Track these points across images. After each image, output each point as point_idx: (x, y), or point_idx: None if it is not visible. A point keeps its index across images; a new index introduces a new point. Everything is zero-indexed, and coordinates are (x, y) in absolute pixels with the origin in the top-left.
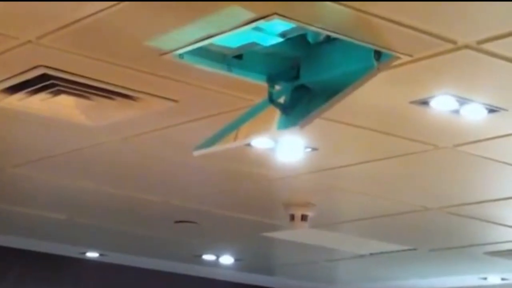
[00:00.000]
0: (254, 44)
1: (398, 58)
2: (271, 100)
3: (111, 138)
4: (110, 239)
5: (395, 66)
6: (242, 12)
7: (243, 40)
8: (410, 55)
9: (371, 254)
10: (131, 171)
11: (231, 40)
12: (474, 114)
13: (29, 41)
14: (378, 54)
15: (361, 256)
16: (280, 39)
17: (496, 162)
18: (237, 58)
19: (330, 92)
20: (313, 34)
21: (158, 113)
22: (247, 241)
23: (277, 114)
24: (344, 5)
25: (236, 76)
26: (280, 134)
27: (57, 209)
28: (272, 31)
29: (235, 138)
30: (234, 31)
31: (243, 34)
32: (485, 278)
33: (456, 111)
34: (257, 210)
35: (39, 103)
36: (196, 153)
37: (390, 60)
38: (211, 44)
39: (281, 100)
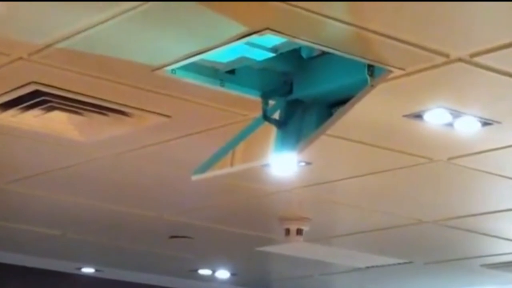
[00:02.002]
0: (246, 59)
1: (391, 72)
2: (265, 117)
3: (105, 154)
4: (106, 254)
5: (388, 80)
6: (234, 26)
7: (235, 54)
8: (403, 69)
9: (366, 267)
10: (125, 187)
11: (223, 55)
12: (468, 127)
13: (21, 58)
14: (371, 69)
15: (357, 269)
16: (272, 54)
17: (491, 174)
18: (229, 73)
19: (324, 105)
20: (306, 49)
21: (151, 128)
22: (243, 256)
23: (272, 131)
24: (337, 20)
25: (229, 91)
26: (277, 160)
27: (51, 225)
28: (264, 46)
29: (232, 163)
30: (226, 46)
31: (235, 49)
32: None
33: (450, 124)
34: (252, 225)
35: (32, 120)
36: (195, 178)
37: (383, 74)
38: (203, 59)
39: (276, 115)
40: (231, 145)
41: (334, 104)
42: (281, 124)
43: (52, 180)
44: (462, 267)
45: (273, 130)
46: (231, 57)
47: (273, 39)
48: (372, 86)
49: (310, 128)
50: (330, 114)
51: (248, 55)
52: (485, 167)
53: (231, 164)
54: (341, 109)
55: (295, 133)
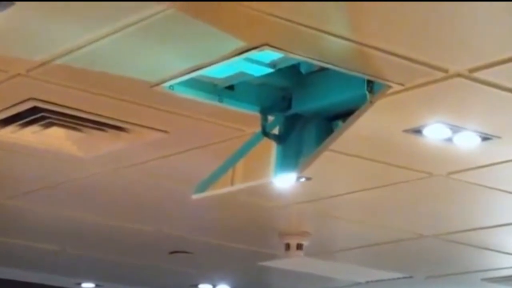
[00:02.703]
0: (244, 74)
1: (390, 87)
2: (265, 133)
3: (103, 169)
4: (106, 269)
5: (387, 95)
6: (232, 42)
7: (232, 70)
8: (402, 84)
9: (367, 282)
10: (124, 201)
11: (221, 70)
12: (468, 142)
13: (19, 74)
14: (370, 85)
15: (357, 284)
16: (271, 69)
17: (491, 189)
18: (228, 89)
19: (323, 118)
20: (305, 64)
21: (150, 144)
22: (243, 270)
23: (272, 147)
24: (336, 36)
25: (227, 106)
26: (277, 180)
27: (51, 240)
28: (262, 61)
29: (232, 182)
30: (224, 62)
31: (233, 64)
32: None
33: (450, 139)
34: (252, 239)
35: (31, 135)
36: (195, 197)
37: (382, 90)
38: (201, 75)
39: (275, 130)
40: (231, 162)
41: (333, 118)
42: (280, 139)
43: (51, 195)
44: (463, 281)
45: (273, 146)
46: (229, 73)
47: (271, 55)
48: (371, 102)
49: (310, 142)
50: (329, 128)
51: (246, 70)
52: (485, 182)
53: (232, 183)
54: (341, 126)
55: (295, 147)
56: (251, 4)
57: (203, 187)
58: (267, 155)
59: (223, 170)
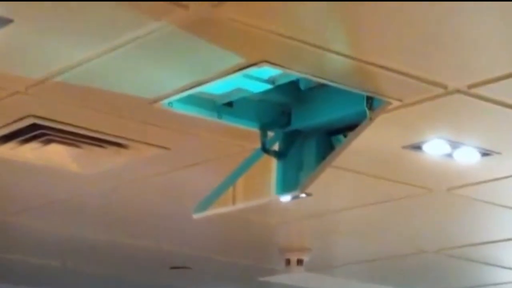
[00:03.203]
0: (243, 90)
1: (389, 103)
2: (265, 149)
3: (103, 185)
4: (106, 285)
5: (387, 111)
6: (231, 59)
7: (231, 86)
8: (401, 100)
9: None
10: (124, 217)
11: (219, 86)
12: (467, 157)
13: (18, 92)
14: (370, 101)
15: None
16: (270, 86)
17: (491, 204)
18: (227, 105)
19: (323, 133)
20: (304, 80)
21: (149, 160)
22: (244, 286)
23: (273, 163)
24: (335, 53)
25: (226, 123)
26: (280, 199)
27: (51, 256)
28: (261, 77)
29: (234, 201)
30: (223, 79)
31: (232, 80)
32: None
33: (449, 155)
34: (252, 255)
35: (31, 152)
36: (196, 216)
37: (381, 107)
38: (200, 92)
39: (275, 146)
40: (231, 180)
41: (333, 132)
42: (280, 155)
43: (52, 212)
44: None
45: (274, 162)
46: (228, 89)
47: (270, 71)
48: (371, 119)
49: (310, 157)
50: (329, 142)
51: (245, 86)
52: (485, 197)
53: (233, 202)
54: (341, 141)
55: (295, 163)
56: (249, 21)
57: (203, 206)
58: (268, 171)
59: (223, 188)
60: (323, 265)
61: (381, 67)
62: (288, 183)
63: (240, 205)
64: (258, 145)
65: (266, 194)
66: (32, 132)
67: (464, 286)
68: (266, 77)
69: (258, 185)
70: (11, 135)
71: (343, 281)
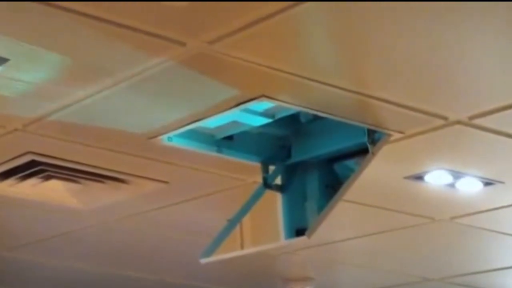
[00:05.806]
0: (243, 124)
1: (391, 136)
2: (267, 185)
3: (103, 220)
4: None
5: (388, 143)
6: (229, 94)
7: (230, 120)
8: (402, 132)
9: None
10: (125, 251)
11: (219, 120)
12: (470, 187)
13: (16, 129)
14: (371, 136)
15: None
16: (269, 119)
17: (495, 232)
18: (227, 139)
19: (324, 161)
20: (305, 113)
21: (149, 194)
22: None
23: (277, 197)
24: (334, 87)
25: (226, 157)
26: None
27: None
28: (260, 111)
29: (242, 245)
30: (222, 114)
31: (231, 114)
32: None
33: (452, 185)
34: (255, 285)
35: (30, 188)
36: (204, 261)
37: (382, 140)
38: (200, 126)
39: (277, 180)
40: (237, 220)
41: (334, 159)
42: (283, 189)
43: (52, 247)
44: None
45: (277, 196)
46: (227, 123)
47: (270, 104)
48: (373, 154)
49: (313, 187)
50: (331, 170)
51: (244, 121)
52: (488, 226)
53: (242, 247)
54: (345, 184)
55: (299, 194)
56: (247, 57)
57: (210, 250)
58: (273, 207)
59: (229, 229)
60: None
61: (382, 100)
62: (294, 217)
63: (249, 250)
64: (258, 178)
65: (275, 238)
66: (31, 169)
67: None
68: (265, 110)
69: (265, 225)
70: (10, 172)
71: None
